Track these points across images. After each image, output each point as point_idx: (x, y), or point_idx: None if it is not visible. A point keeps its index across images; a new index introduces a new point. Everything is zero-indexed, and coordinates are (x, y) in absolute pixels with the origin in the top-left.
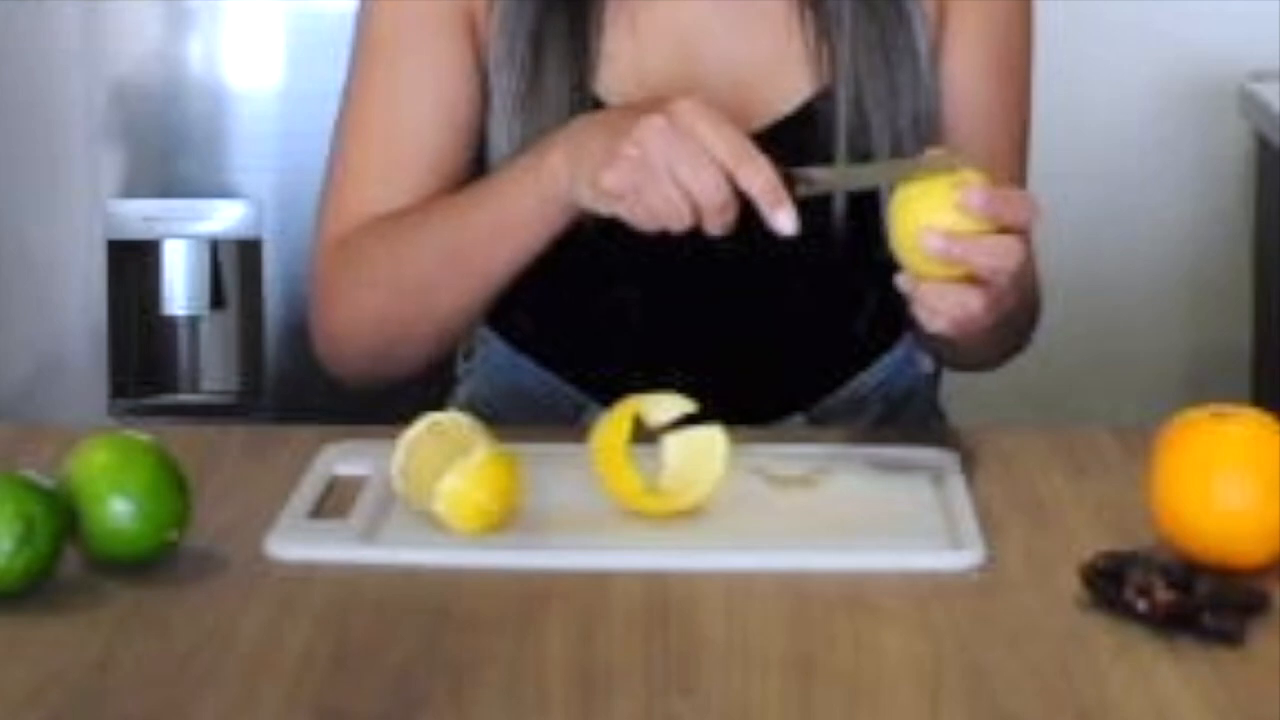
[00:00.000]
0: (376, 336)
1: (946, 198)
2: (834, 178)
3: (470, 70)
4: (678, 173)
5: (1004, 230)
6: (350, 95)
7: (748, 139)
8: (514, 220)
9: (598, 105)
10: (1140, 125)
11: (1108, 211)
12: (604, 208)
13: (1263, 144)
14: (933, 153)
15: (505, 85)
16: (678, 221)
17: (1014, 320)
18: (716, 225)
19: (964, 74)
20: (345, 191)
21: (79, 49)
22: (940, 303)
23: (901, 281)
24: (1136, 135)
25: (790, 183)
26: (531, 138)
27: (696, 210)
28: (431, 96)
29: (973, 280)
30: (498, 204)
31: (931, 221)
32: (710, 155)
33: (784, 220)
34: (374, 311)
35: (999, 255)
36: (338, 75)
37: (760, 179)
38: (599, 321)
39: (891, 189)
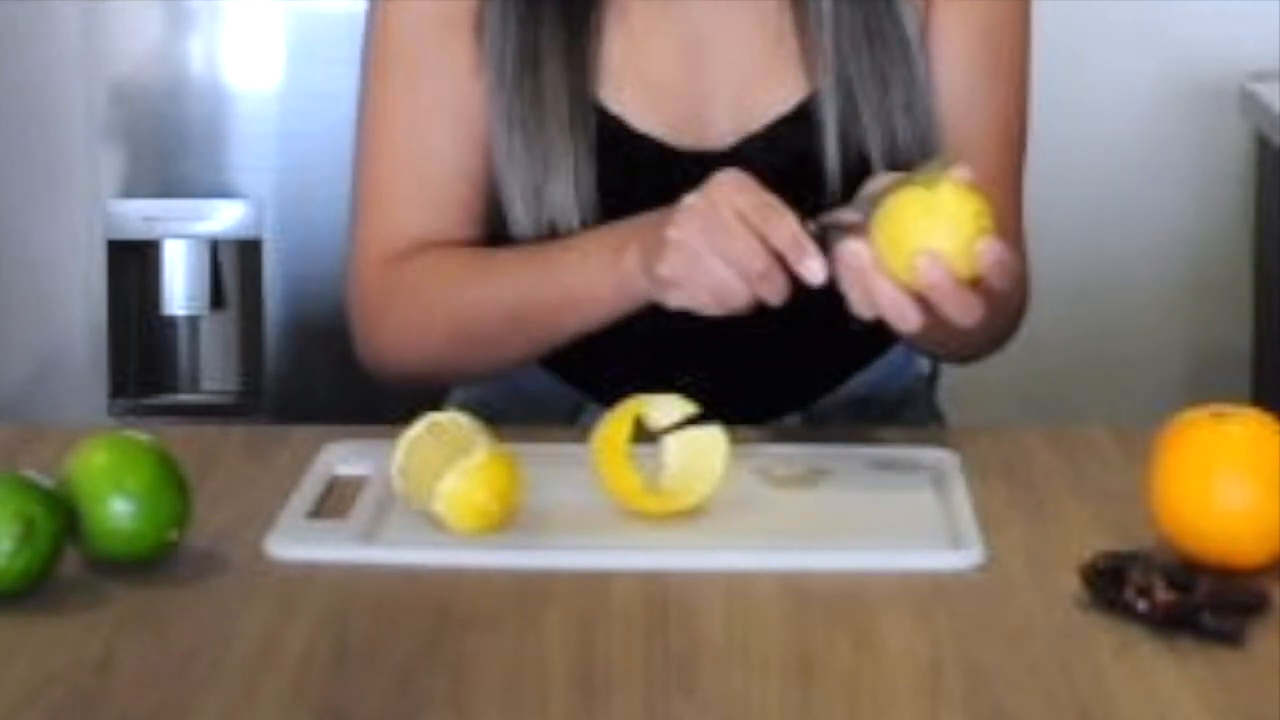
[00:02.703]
0: (426, 369)
1: (965, 234)
2: (864, 216)
3: (481, 76)
4: (716, 248)
5: (977, 286)
6: (369, 112)
7: (776, 201)
8: (587, 302)
9: (600, 111)
10: (1140, 125)
11: (1108, 211)
12: (670, 301)
13: (1263, 144)
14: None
15: (505, 94)
16: (735, 297)
17: (965, 337)
18: (768, 293)
19: (950, 68)
20: (379, 213)
21: (79, 49)
22: (883, 300)
23: (855, 251)
24: (1136, 135)
25: (824, 234)
26: (533, 146)
27: (747, 281)
28: (451, 110)
29: (923, 301)
30: (572, 283)
31: (939, 246)
32: (743, 224)
33: (811, 270)
34: (428, 351)
35: (961, 313)
36: (338, 75)
37: (783, 234)
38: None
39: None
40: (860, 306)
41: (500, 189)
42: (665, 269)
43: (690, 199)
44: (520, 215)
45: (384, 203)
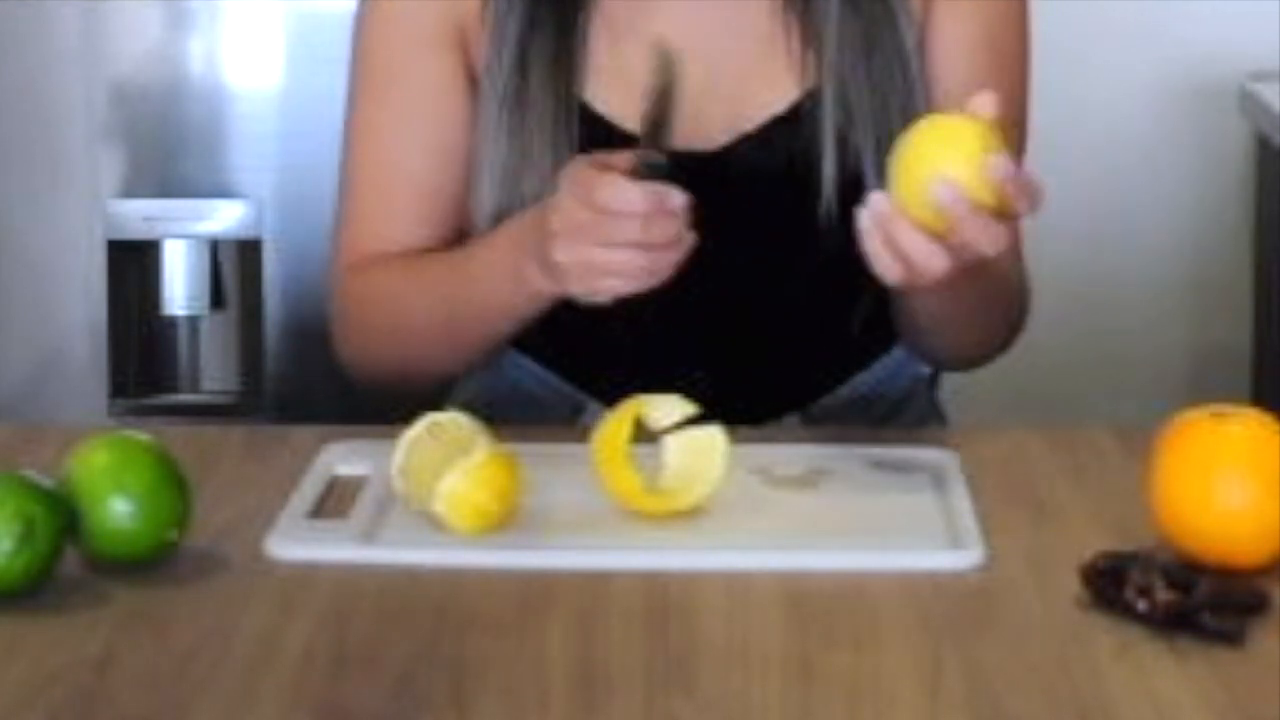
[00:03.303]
0: (389, 372)
1: (971, 151)
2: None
3: (464, 92)
4: (599, 243)
5: (1001, 214)
6: (350, 128)
7: (606, 174)
8: (507, 310)
9: (585, 112)
10: (1140, 125)
11: (1108, 211)
12: (601, 300)
13: (1263, 144)
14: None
15: (492, 93)
16: (650, 267)
17: (978, 312)
18: (659, 236)
19: (949, 72)
20: (352, 227)
21: (79, 49)
22: (907, 244)
23: (877, 199)
24: (1136, 135)
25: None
26: (517, 146)
27: (644, 250)
28: (427, 128)
29: (947, 242)
30: (487, 295)
31: (947, 171)
32: (602, 212)
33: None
34: (383, 355)
35: (985, 238)
36: (338, 75)
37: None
38: (597, 321)
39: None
40: (884, 264)
41: (473, 180)
42: (576, 288)
43: (553, 222)
44: (488, 206)
45: (356, 214)
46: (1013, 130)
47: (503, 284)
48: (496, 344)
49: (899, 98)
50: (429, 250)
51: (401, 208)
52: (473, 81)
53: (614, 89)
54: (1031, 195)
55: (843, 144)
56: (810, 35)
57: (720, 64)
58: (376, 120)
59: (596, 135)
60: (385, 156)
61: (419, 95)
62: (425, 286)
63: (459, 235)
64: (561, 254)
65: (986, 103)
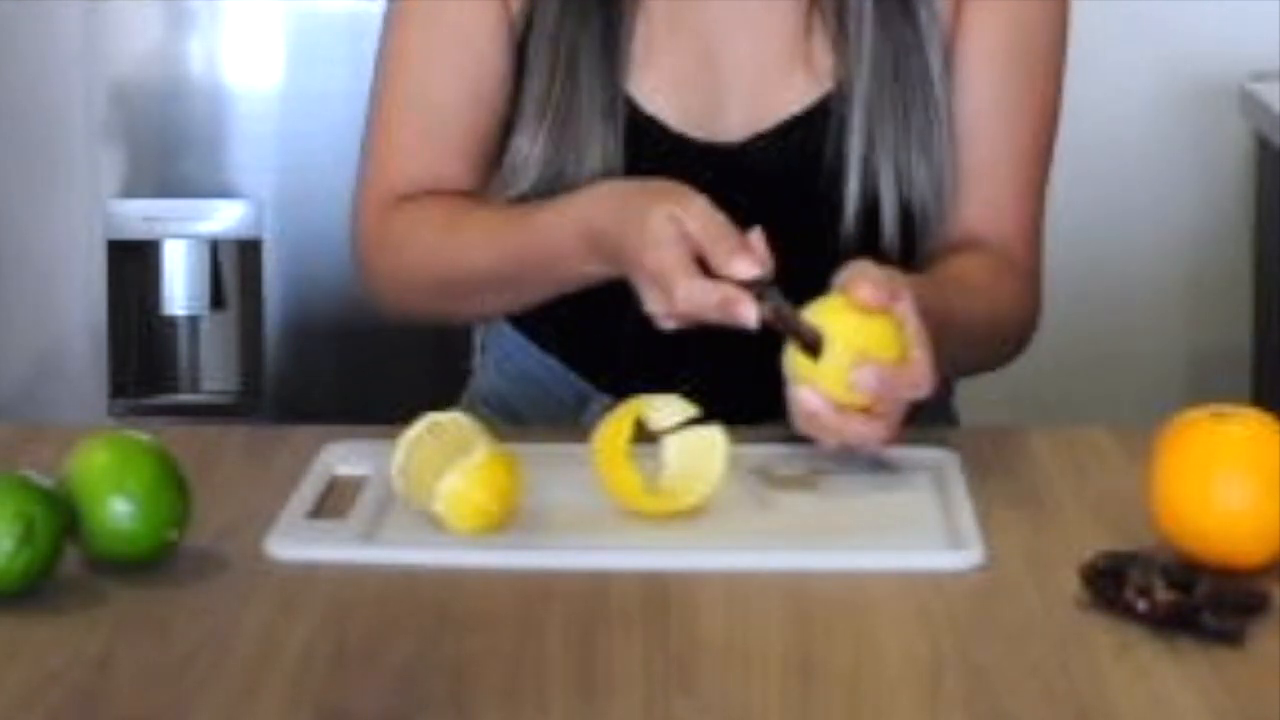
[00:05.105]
0: (421, 310)
1: (843, 369)
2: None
3: (499, 39)
4: (684, 310)
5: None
6: (385, 61)
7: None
8: (575, 277)
9: (630, 106)
10: (1140, 125)
11: (1108, 211)
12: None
13: (1263, 144)
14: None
15: (539, 88)
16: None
17: (954, 362)
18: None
19: (978, 74)
20: (382, 158)
21: (79, 49)
22: (807, 410)
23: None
24: (1136, 135)
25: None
26: (559, 136)
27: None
28: (462, 68)
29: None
30: (559, 262)
31: (823, 386)
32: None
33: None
34: (420, 296)
35: (859, 438)
36: (338, 75)
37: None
38: (604, 313)
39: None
40: (798, 417)
41: (516, 169)
42: (653, 308)
43: (645, 285)
44: (533, 189)
45: (389, 146)
46: (1039, 137)
47: (578, 259)
48: (549, 298)
49: (920, 100)
50: (465, 191)
51: (437, 141)
52: (510, 34)
53: (659, 83)
54: (915, 386)
55: (867, 140)
56: (836, 39)
57: (751, 62)
58: (417, 60)
59: (631, 123)
60: (425, 93)
61: (461, 40)
62: (488, 241)
63: (487, 179)
64: (652, 305)
65: (865, 295)
